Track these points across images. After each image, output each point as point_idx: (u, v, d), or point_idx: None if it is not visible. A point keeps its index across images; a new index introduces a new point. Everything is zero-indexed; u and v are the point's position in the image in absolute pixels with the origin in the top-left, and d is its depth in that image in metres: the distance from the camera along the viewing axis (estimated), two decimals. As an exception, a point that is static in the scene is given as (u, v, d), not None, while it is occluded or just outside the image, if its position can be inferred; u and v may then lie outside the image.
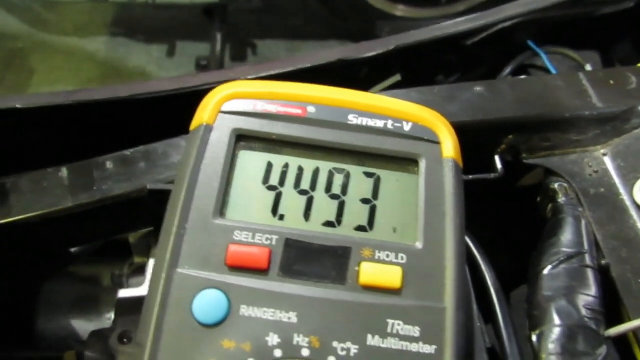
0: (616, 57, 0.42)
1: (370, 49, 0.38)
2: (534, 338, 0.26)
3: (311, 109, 0.24)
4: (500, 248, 0.31)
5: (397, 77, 0.46)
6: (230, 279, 0.21)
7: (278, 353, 0.20)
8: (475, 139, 0.31)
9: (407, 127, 0.24)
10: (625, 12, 0.41)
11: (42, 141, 0.36)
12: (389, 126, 0.24)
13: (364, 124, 0.24)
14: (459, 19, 0.42)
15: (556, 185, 0.30)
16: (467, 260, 0.30)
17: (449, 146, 0.24)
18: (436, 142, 0.24)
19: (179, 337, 0.19)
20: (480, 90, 0.31)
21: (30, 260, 0.34)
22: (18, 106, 0.33)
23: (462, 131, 0.30)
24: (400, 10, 1.77)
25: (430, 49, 0.40)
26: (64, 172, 0.30)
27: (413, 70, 0.44)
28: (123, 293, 0.34)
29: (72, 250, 0.37)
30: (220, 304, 0.20)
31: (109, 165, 0.30)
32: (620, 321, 0.26)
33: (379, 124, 0.24)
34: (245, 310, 0.20)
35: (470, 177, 0.30)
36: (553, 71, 0.40)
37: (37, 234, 0.31)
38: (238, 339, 0.20)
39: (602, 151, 0.30)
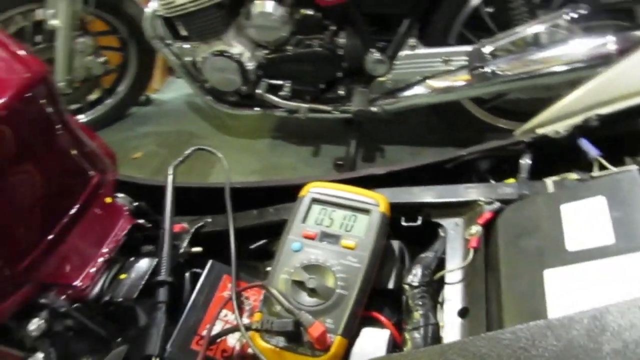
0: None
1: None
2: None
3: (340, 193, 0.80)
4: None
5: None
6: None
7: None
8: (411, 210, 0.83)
9: (368, 200, 0.79)
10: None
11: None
12: (362, 199, 0.79)
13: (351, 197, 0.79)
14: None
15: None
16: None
17: (382, 206, 0.78)
18: (377, 205, 0.78)
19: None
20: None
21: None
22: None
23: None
24: (502, 123, 2.27)
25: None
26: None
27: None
28: None
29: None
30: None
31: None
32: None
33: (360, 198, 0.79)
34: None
35: (406, 224, 0.82)
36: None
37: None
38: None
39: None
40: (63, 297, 0.74)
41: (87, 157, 0.84)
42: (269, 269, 0.89)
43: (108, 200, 0.84)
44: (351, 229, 0.77)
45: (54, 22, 2.32)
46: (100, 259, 0.78)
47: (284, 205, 0.90)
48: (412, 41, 2.03)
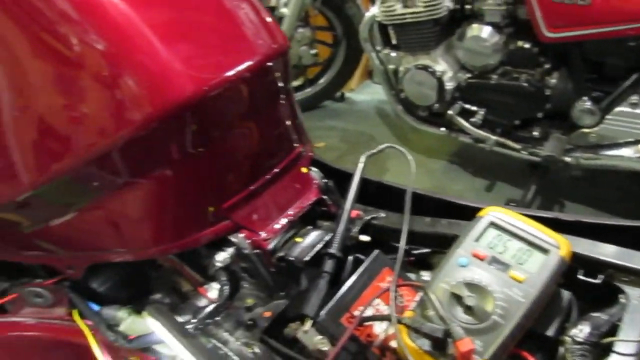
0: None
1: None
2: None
3: (521, 225, 0.79)
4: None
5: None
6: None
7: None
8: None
9: (549, 239, 0.77)
10: None
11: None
12: (544, 238, 0.77)
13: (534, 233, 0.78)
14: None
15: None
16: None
17: (564, 251, 0.75)
18: (558, 247, 0.76)
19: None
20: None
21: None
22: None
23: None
24: None
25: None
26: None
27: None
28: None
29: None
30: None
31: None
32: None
33: (542, 236, 0.78)
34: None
35: (583, 278, 0.78)
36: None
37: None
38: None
39: None
40: (248, 241, 0.85)
41: (296, 129, 0.95)
42: (424, 277, 0.91)
43: (304, 170, 0.94)
44: (524, 262, 0.76)
45: (284, 10, 2.60)
46: (285, 219, 0.88)
47: (458, 222, 0.91)
48: (634, 98, 1.87)
